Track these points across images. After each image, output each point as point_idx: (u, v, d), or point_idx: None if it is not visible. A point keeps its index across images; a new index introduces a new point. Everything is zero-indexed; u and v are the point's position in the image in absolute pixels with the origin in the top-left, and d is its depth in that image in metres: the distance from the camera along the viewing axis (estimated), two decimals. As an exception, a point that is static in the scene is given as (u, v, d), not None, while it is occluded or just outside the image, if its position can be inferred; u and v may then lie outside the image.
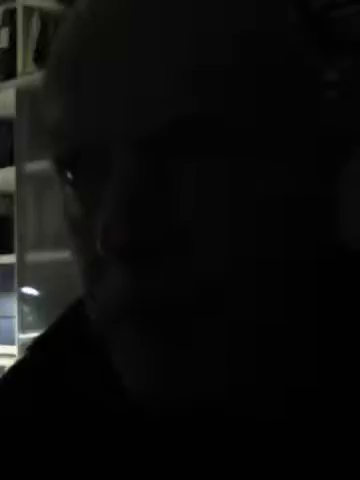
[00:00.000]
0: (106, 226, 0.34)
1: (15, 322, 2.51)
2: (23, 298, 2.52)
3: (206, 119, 0.35)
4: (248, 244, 0.36)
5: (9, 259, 2.54)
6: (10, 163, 2.58)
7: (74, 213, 0.38)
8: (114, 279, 0.36)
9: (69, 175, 0.38)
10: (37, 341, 0.49)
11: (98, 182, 0.36)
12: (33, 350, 0.49)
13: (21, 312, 2.51)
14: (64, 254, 2.32)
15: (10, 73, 2.59)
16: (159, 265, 0.35)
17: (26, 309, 2.53)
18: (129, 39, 0.35)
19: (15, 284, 2.52)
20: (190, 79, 0.34)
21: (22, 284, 2.51)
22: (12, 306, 2.55)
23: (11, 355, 2.50)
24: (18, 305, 2.51)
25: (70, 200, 0.38)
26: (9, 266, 2.54)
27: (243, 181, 0.35)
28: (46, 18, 2.55)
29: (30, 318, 2.52)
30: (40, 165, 2.46)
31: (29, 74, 2.53)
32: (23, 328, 2.50)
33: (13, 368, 0.50)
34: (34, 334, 2.33)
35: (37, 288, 2.53)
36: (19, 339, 2.48)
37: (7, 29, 2.64)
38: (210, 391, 0.37)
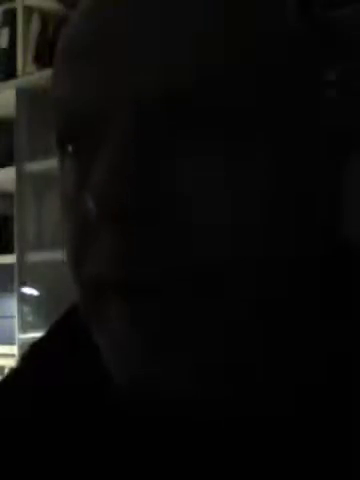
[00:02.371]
0: (101, 181, 0.34)
1: (15, 322, 2.51)
2: (23, 298, 2.52)
3: (204, 110, 0.35)
4: (246, 227, 0.35)
5: (9, 259, 2.54)
6: (10, 163, 2.58)
7: (70, 185, 0.38)
8: (105, 249, 0.35)
9: (69, 147, 0.38)
10: (36, 343, 0.49)
11: (95, 151, 0.36)
12: (32, 352, 0.49)
13: (21, 312, 2.51)
14: (64, 254, 2.31)
15: (10, 73, 2.59)
16: (154, 231, 0.35)
17: (26, 309, 2.53)
18: (131, 21, 0.36)
19: (15, 284, 2.51)
20: (189, 75, 0.35)
21: (22, 284, 2.51)
22: (12, 306, 2.55)
23: (11, 355, 2.50)
24: (18, 305, 2.51)
25: (68, 173, 0.39)
26: (9, 266, 2.54)
27: (240, 174, 0.35)
28: (46, 18, 2.55)
29: (30, 318, 2.52)
30: (40, 165, 2.46)
31: (29, 74, 2.53)
32: (23, 328, 2.49)
33: (13, 370, 0.50)
34: (34, 334, 2.33)
35: (37, 288, 2.53)
36: (19, 339, 2.48)
37: (7, 29, 2.64)
38: (211, 374, 0.37)
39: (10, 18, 2.63)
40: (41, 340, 0.49)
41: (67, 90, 0.38)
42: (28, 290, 2.52)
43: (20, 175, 2.54)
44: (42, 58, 2.52)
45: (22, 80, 2.54)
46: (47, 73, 2.40)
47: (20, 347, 2.45)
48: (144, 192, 0.34)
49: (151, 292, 0.35)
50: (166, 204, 0.35)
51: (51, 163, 2.37)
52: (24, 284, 2.51)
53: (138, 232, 0.35)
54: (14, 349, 2.48)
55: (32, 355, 0.49)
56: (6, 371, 2.51)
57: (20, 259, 2.51)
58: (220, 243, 0.35)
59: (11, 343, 2.52)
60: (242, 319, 0.36)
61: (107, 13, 0.37)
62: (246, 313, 0.36)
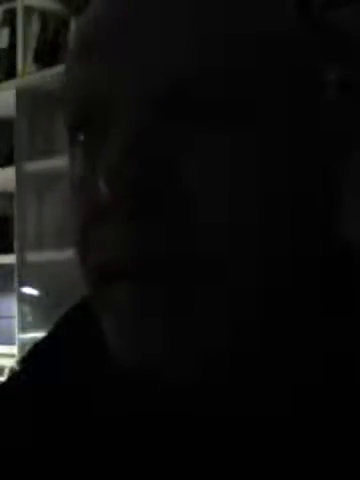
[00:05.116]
0: (111, 164, 0.35)
1: (15, 322, 2.51)
2: (23, 298, 2.52)
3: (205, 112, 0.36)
4: (245, 221, 0.36)
5: (9, 259, 2.54)
6: (10, 163, 2.59)
7: (79, 172, 0.39)
8: (113, 234, 0.36)
9: (80, 137, 0.39)
10: (37, 344, 0.49)
11: (105, 137, 0.37)
12: (33, 353, 0.49)
13: (21, 312, 2.51)
14: (64, 254, 2.33)
15: (10, 73, 2.59)
16: (162, 220, 0.35)
17: (26, 309, 2.53)
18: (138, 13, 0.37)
19: (15, 284, 2.52)
20: (189, 74, 0.36)
21: (22, 284, 2.51)
22: (12, 306, 2.55)
23: (11, 355, 2.50)
24: (18, 305, 2.51)
25: (77, 161, 0.40)
26: (9, 266, 2.54)
27: (240, 169, 0.36)
28: (46, 18, 2.55)
29: (30, 318, 2.52)
30: (40, 165, 2.47)
31: (29, 74, 2.54)
32: (23, 328, 2.50)
33: (15, 371, 0.50)
34: (34, 334, 2.34)
35: (37, 288, 2.53)
36: (19, 339, 2.48)
37: (7, 29, 2.64)
38: (213, 362, 0.37)
39: (10, 18, 2.64)
40: (42, 341, 0.50)
41: (78, 81, 0.39)
42: (28, 290, 2.53)
43: (20, 175, 2.54)
44: (42, 58, 2.52)
45: (22, 80, 2.54)
46: (47, 73, 2.41)
47: (20, 347, 2.46)
48: (152, 175, 0.35)
49: (158, 276, 0.36)
50: (172, 188, 0.36)
51: (51, 163, 2.37)
52: (24, 284, 2.52)
53: (146, 216, 0.35)
54: (14, 349, 2.49)
55: (33, 356, 0.49)
56: (6, 371, 2.51)
57: (20, 259, 2.51)
58: (221, 232, 0.36)
59: (11, 343, 2.52)
60: (244, 308, 0.37)
61: (113, 11, 0.38)
62: (247, 302, 0.37)
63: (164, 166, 0.36)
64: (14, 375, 0.50)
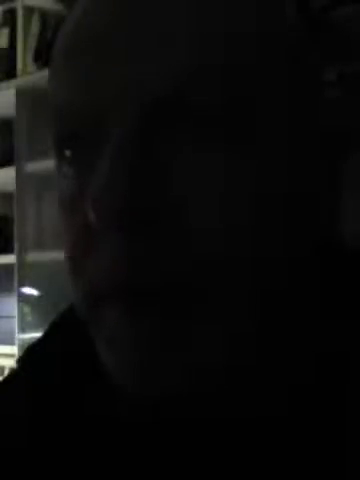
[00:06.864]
0: (102, 187, 0.34)
1: (15, 322, 2.51)
2: (23, 298, 2.52)
3: (204, 111, 0.35)
4: (243, 223, 0.35)
5: (9, 259, 2.54)
6: (10, 163, 2.59)
7: (69, 190, 0.38)
8: (106, 252, 0.35)
9: (68, 153, 0.38)
10: (33, 345, 0.49)
11: (94, 155, 0.36)
12: (29, 354, 0.49)
13: (21, 312, 2.51)
14: (64, 254, 2.32)
15: (10, 73, 2.59)
16: (154, 235, 0.35)
17: (26, 309, 2.53)
18: (128, 21, 0.36)
19: (15, 284, 2.52)
20: (188, 75, 0.35)
21: (22, 284, 2.51)
22: (12, 306, 2.55)
23: (11, 355, 2.50)
24: (18, 305, 2.51)
25: (66, 179, 0.39)
26: (9, 266, 2.54)
27: (238, 172, 0.36)
28: (46, 18, 2.55)
29: (30, 318, 2.52)
30: (40, 165, 2.47)
31: (29, 74, 2.54)
32: (23, 328, 2.50)
33: (11, 372, 0.50)
34: (34, 334, 2.34)
35: (37, 288, 2.53)
36: (19, 339, 2.48)
37: (7, 29, 2.64)
38: (209, 374, 0.37)
39: (10, 18, 2.64)
40: (38, 341, 0.49)
41: (65, 93, 0.38)
42: (28, 290, 2.52)
43: (20, 175, 2.54)
44: (42, 58, 2.52)
45: (22, 80, 2.54)
46: (47, 73, 2.41)
47: (20, 347, 2.45)
48: (145, 195, 0.34)
49: (151, 296, 0.35)
50: (165, 207, 0.35)
51: (51, 163, 2.36)
52: (24, 284, 2.52)
53: (138, 236, 0.35)
54: (14, 349, 2.49)
55: (29, 357, 0.49)
56: (6, 371, 2.51)
57: (20, 259, 2.51)
58: (217, 245, 0.35)
59: (11, 343, 2.52)
60: (239, 321, 0.36)
61: (105, 12, 0.37)
62: (243, 315, 0.36)
63: (157, 185, 0.35)
64: (10, 375, 0.50)
